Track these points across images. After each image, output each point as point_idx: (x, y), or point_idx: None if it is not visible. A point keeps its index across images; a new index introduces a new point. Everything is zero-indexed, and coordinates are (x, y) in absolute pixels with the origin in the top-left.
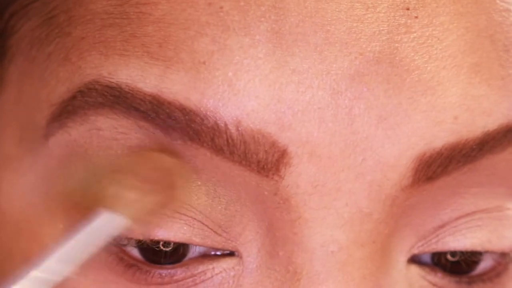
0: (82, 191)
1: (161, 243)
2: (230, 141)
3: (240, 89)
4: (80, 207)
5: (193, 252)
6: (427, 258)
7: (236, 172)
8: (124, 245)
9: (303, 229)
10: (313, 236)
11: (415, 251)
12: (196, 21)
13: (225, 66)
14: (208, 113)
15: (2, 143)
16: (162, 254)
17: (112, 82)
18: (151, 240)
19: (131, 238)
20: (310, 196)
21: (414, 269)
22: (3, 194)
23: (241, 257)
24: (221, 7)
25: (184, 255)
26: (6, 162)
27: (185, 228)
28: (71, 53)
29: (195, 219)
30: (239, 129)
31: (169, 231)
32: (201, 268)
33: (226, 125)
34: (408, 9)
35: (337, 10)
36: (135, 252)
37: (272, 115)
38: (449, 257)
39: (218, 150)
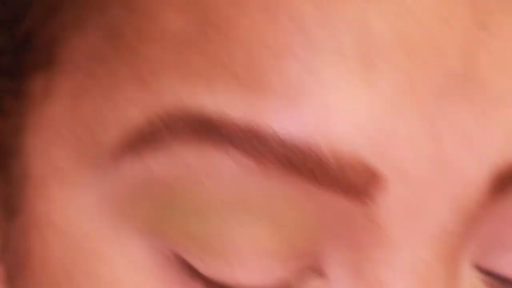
0: (167, 224)
1: None
2: (323, 165)
3: (333, 114)
4: (160, 236)
5: None
6: None
7: (328, 198)
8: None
9: (391, 249)
10: (402, 256)
11: (478, 262)
12: (287, 46)
13: (317, 91)
14: (301, 138)
15: (51, 155)
16: None
17: (201, 113)
18: None
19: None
20: (399, 218)
21: (476, 274)
22: (56, 207)
23: (326, 278)
24: (311, 30)
25: None
26: (57, 175)
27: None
28: (145, 74)
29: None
30: (335, 155)
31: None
32: None
33: (321, 151)
34: (484, 26)
35: (422, 32)
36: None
37: (365, 140)
38: None
39: (310, 175)
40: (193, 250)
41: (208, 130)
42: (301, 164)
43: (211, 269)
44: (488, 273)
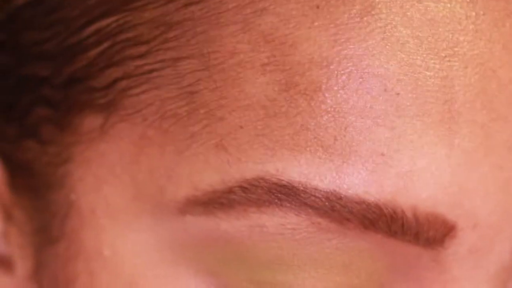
0: (229, 269)
1: None
2: (405, 225)
3: (417, 177)
4: (218, 276)
5: None
6: None
7: (402, 248)
8: None
9: (453, 286)
10: None
11: None
12: (373, 109)
13: (403, 155)
14: (386, 203)
15: (102, 191)
16: None
17: (282, 180)
18: None
19: None
20: (466, 260)
21: None
22: (107, 241)
23: None
24: (398, 94)
25: None
26: (111, 213)
27: None
28: (226, 142)
29: None
30: (415, 214)
31: None
32: None
33: (403, 212)
34: None
35: (499, 85)
36: None
37: (446, 197)
38: None
39: (391, 234)
40: None
41: (288, 196)
42: (384, 226)
43: None
44: None
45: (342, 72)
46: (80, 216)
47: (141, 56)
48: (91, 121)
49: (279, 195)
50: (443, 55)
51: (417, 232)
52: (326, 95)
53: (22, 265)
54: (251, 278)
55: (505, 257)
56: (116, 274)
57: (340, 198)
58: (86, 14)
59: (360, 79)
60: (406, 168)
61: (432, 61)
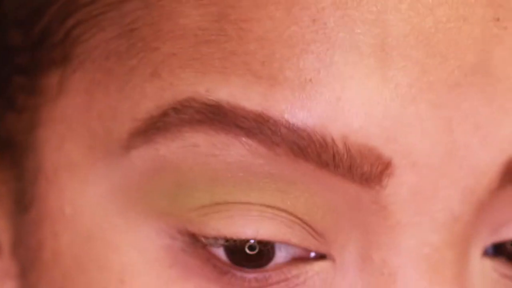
0: (172, 203)
1: (246, 246)
2: (336, 156)
3: (347, 105)
4: (165, 217)
5: (280, 257)
6: (489, 249)
7: (337, 184)
8: (210, 246)
9: (399, 233)
10: (409, 240)
11: (485, 244)
12: (301, 38)
13: (332, 83)
14: (315, 130)
15: (63, 148)
16: (247, 258)
17: (211, 100)
18: (241, 241)
19: (218, 238)
20: (408, 203)
21: (487, 263)
22: (67, 199)
23: (334, 261)
24: (325, 23)
25: (269, 259)
26: (70, 169)
27: (285, 228)
28: (160, 69)
29: (295, 222)
30: (346, 144)
31: (269, 230)
32: (294, 271)
33: (333, 141)
34: (498, 19)
35: (436, 23)
36: (221, 254)
37: (378, 130)
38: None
39: (323, 165)
40: (198, 219)
41: (218, 116)
42: (314, 155)
43: (216, 229)
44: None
45: (270, 3)
46: (46, 178)
47: (91, 2)
48: (52, 79)
49: (209, 114)
50: None
51: (350, 165)
52: (254, 24)
53: (5, 241)
54: (191, 206)
55: (453, 204)
56: (76, 231)
57: (268, 120)
58: None
59: (288, 10)
60: (335, 96)
61: None
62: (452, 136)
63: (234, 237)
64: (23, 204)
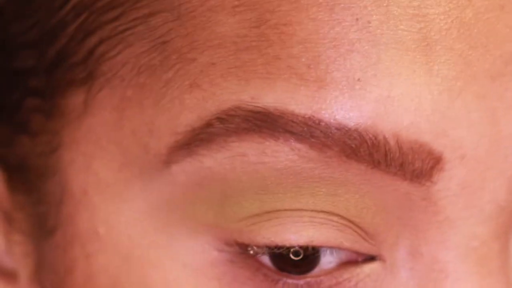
0: (218, 214)
1: (291, 252)
2: (388, 154)
3: (397, 102)
4: (210, 230)
5: (326, 261)
6: None
7: (388, 182)
8: (258, 255)
9: (448, 228)
10: (458, 234)
11: None
12: (346, 38)
13: (380, 81)
14: (367, 129)
15: (92, 168)
16: (293, 264)
17: (258, 107)
18: (287, 248)
19: (268, 247)
20: (457, 197)
21: None
22: (100, 219)
23: (384, 261)
24: (369, 22)
25: (315, 264)
26: (102, 188)
27: (337, 232)
28: (200, 80)
29: (346, 225)
30: (398, 141)
31: (322, 236)
32: (345, 275)
33: (385, 139)
34: None
35: (476, 14)
36: (267, 262)
37: (428, 125)
38: None
39: (375, 164)
40: (248, 229)
41: (266, 123)
42: (366, 154)
43: (267, 238)
44: None
45: (311, 5)
46: (74, 200)
47: (115, 18)
48: (75, 99)
49: (257, 121)
50: None
51: (402, 162)
52: (297, 27)
53: (24, 267)
54: (240, 216)
55: (500, 195)
56: (112, 251)
57: (319, 123)
58: None
59: (330, 11)
60: (384, 94)
61: None
62: (497, 127)
63: (287, 244)
64: (46, 228)
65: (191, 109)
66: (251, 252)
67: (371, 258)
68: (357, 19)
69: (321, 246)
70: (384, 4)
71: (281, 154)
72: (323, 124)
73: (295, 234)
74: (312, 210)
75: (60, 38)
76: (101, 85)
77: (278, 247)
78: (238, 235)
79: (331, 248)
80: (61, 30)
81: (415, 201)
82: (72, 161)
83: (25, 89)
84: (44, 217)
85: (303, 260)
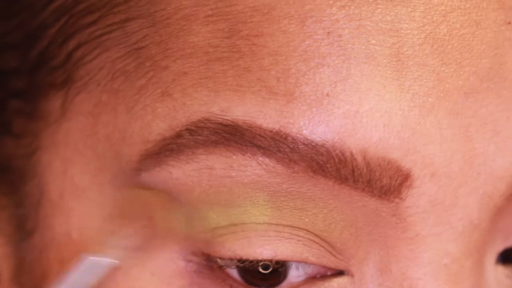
0: (185, 225)
1: (260, 265)
2: (355, 170)
3: (366, 118)
4: (177, 240)
5: (294, 274)
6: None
7: (356, 198)
8: (225, 266)
9: (419, 245)
10: (428, 251)
11: (499, 250)
12: (316, 51)
13: (349, 96)
14: (334, 145)
15: (68, 172)
16: (261, 277)
17: (227, 120)
18: (256, 261)
19: (233, 259)
20: (428, 214)
21: (500, 270)
22: (73, 224)
23: (352, 276)
24: (340, 36)
25: (284, 277)
26: (77, 193)
27: (303, 247)
28: (172, 89)
29: (313, 240)
30: (365, 158)
31: (287, 250)
32: None
33: (352, 155)
34: (509, 23)
35: (450, 30)
36: (235, 274)
37: (397, 141)
38: None
39: (342, 180)
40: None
41: (234, 136)
42: (333, 170)
43: (232, 250)
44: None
45: (283, 17)
46: (51, 203)
47: (93, 22)
48: (53, 103)
49: (225, 134)
50: None
51: (369, 179)
52: (268, 39)
53: (6, 268)
54: (206, 228)
55: (472, 213)
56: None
57: (286, 138)
58: None
59: (301, 24)
60: (353, 109)
61: (378, 5)
62: (470, 144)
63: (251, 258)
64: (25, 230)
65: (162, 118)
66: (218, 263)
67: (339, 273)
68: (328, 33)
69: (286, 261)
70: (357, 18)
71: (248, 168)
72: (289, 139)
73: (260, 248)
74: (278, 224)
75: (42, 40)
76: (79, 89)
77: (242, 260)
78: (205, 246)
79: (297, 262)
80: (43, 32)
81: (385, 217)
82: (50, 164)
83: (8, 90)
84: (23, 219)
85: (271, 273)
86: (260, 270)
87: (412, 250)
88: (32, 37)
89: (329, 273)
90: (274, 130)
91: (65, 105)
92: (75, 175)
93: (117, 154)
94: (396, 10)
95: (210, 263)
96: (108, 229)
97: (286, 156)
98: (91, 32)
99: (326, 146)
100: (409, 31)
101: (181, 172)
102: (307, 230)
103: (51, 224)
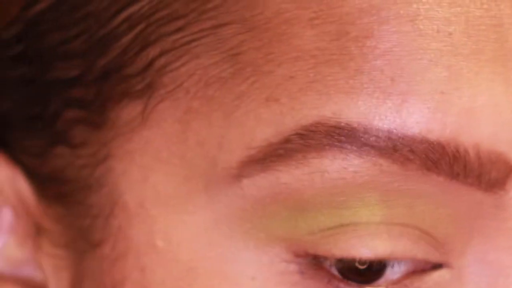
0: (291, 228)
1: (357, 261)
2: (467, 165)
3: (478, 114)
4: (280, 242)
5: (392, 272)
6: None
7: (463, 192)
8: (328, 266)
9: None
10: None
11: None
12: (428, 50)
13: (463, 93)
14: (449, 142)
15: (151, 181)
16: (359, 273)
17: (341, 122)
18: (358, 259)
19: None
20: None
21: None
22: (158, 233)
23: (451, 268)
24: (450, 33)
25: (382, 272)
26: (161, 201)
27: (411, 245)
28: (277, 94)
29: (420, 237)
30: (478, 153)
31: (397, 248)
32: (416, 283)
33: (465, 150)
34: None
35: None
36: (335, 272)
37: (506, 134)
38: None
39: (454, 175)
40: (323, 241)
41: (349, 138)
42: (447, 167)
43: (346, 250)
44: None
45: (392, 17)
46: (127, 212)
47: (178, 30)
48: (130, 111)
49: (339, 137)
50: None
51: (479, 173)
52: (379, 40)
53: (57, 280)
54: (314, 229)
55: None
56: (172, 264)
57: (402, 138)
58: (116, 2)
59: (411, 23)
60: (466, 106)
61: (480, 1)
62: None
63: (364, 257)
64: (91, 241)
65: (268, 123)
66: (324, 263)
67: (438, 266)
68: (438, 31)
69: (398, 259)
70: (464, 14)
71: (363, 169)
72: (407, 138)
73: (372, 248)
74: (389, 223)
75: (112, 50)
76: (162, 97)
77: (354, 260)
78: (311, 247)
79: (406, 259)
80: (113, 41)
81: (487, 209)
82: (125, 173)
83: (66, 100)
84: (88, 230)
85: (368, 269)
86: (358, 265)
87: (510, 239)
88: (99, 47)
89: (428, 267)
90: (390, 130)
91: (145, 113)
92: (158, 183)
93: (211, 161)
94: (499, 5)
95: (314, 264)
96: (202, 236)
97: (402, 156)
98: (176, 39)
99: (441, 143)
100: (510, 25)
101: (290, 177)
102: (416, 227)
103: (128, 234)
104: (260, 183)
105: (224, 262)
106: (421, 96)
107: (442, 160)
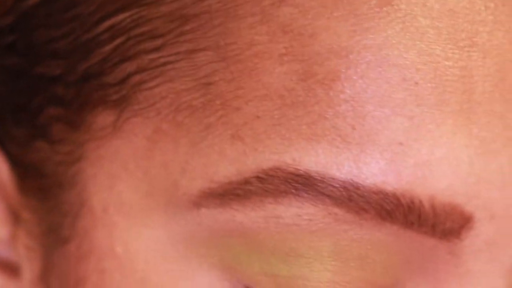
0: (242, 263)
1: None
2: (422, 215)
3: (436, 167)
4: (231, 272)
5: None
6: None
7: (417, 239)
8: None
9: (468, 280)
10: (476, 287)
11: None
12: (392, 98)
13: (422, 144)
14: (404, 193)
15: (116, 189)
16: None
17: (299, 170)
18: None
19: None
20: (482, 253)
21: None
22: (120, 240)
23: None
24: (416, 83)
25: None
26: (123, 210)
27: None
28: (243, 132)
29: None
30: (433, 204)
31: None
32: None
33: (420, 202)
34: None
35: None
36: None
37: (463, 187)
38: None
39: (408, 224)
40: (270, 286)
41: (305, 186)
42: (401, 217)
43: None
44: None
45: (361, 61)
46: (92, 215)
47: (155, 49)
48: (104, 118)
49: (296, 184)
50: (462, 45)
51: (434, 223)
52: (345, 84)
53: (30, 268)
54: (266, 271)
55: None
56: (128, 271)
57: (358, 188)
58: (101, 9)
59: (379, 69)
60: (424, 158)
61: (451, 51)
62: None
63: None
64: (60, 237)
65: (231, 161)
66: None
67: None
68: (404, 79)
69: None
70: (433, 64)
71: (318, 217)
72: (362, 189)
73: None
74: (340, 282)
75: (93, 56)
76: (135, 112)
77: None
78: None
79: None
80: (95, 47)
81: (440, 254)
82: (94, 177)
83: (48, 96)
84: (58, 226)
85: None
86: None
87: (461, 285)
88: (82, 50)
89: None
90: (347, 181)
91: (118, 124)
92: (122, 192)
93: (173, 184)
94: (470, 57)
95: None
96: (156, 251)
97: (357, 205)
98: (153, 59)
99: (396, 195)
100: (480, 77)
101: (246, 218)
102: (367, 281)
103: (91, 235)
104: (217, 217)
105: (176, 278)
106: (379, 146)
107: (396, 211)
